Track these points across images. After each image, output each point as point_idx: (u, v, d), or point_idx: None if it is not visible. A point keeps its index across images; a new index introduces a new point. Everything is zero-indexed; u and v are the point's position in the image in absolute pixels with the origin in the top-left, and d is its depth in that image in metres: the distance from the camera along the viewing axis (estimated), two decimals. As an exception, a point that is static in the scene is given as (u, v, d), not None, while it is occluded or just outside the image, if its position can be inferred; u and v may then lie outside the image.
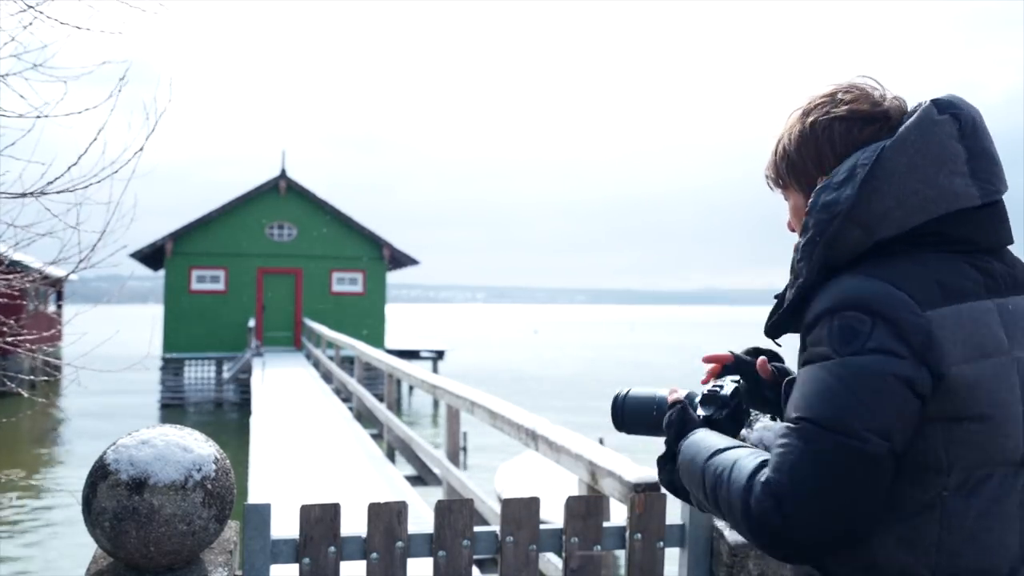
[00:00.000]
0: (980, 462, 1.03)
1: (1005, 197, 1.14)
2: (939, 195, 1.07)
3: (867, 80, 1.21)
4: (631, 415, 1.35)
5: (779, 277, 1.28)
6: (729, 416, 1.24)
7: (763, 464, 1.03)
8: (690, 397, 1.29)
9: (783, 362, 1.36)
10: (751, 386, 1.32)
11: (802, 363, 1.10)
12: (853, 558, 1.07)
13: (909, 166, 1.08)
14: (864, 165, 1.10)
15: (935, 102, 1.11)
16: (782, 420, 1.15)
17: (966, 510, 1.03)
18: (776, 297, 1.26)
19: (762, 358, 1.33)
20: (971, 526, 1.03)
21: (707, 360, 1.36)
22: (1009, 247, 1.16)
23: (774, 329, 1.23)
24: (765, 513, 0.99)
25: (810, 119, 1.20)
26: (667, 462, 1.25)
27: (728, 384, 1.26)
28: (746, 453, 1.09)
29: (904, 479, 1.04)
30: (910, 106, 1.18)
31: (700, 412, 1.25)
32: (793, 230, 1.27)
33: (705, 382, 1.33)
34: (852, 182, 1.09)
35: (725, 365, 1.35)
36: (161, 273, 26.29)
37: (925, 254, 1.09)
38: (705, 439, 1.17)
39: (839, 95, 1.19)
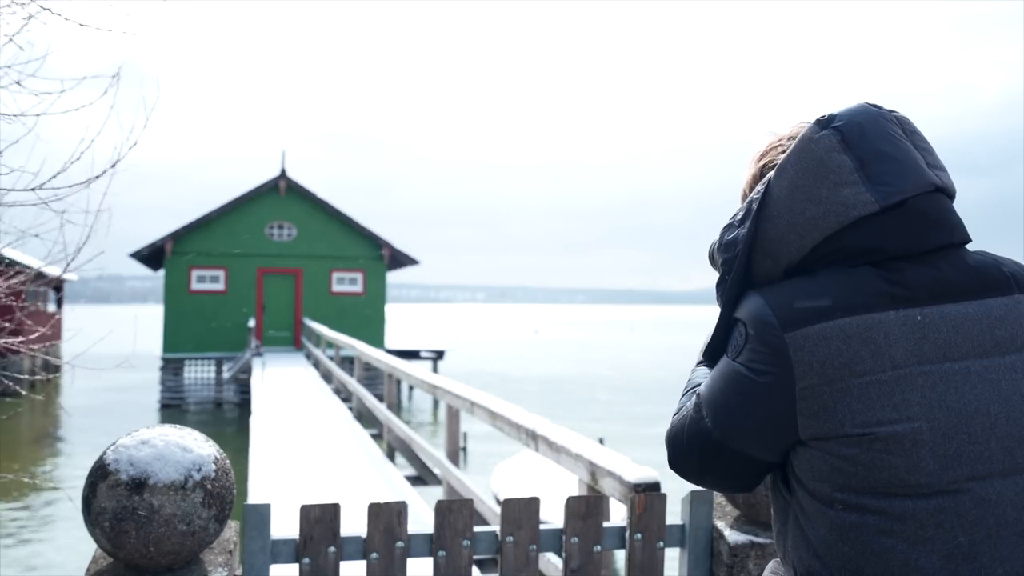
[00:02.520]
0: (869, 480, 1.00)
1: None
2: (826, 210, 1.06)
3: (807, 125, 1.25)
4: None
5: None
6: None
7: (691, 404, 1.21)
8: None
9: None
10: None
11: None
12: (785, 559, 1.15)
13: (791, 188, 1.10)
14: (756, 199, 1.15)
15: (817, 120, 1.12)
16: None
17: (862, 526, 1.01)
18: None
19: None
20: (870, 543, 1.01)
21: None
22: (962, 246, 1.10)
23: (708, 357, 1.26)
24: (666, 443, 1.23)
25: (762, 163, 1.25)
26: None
27: None
28: (695, 384, 1.24)
29: (802, 485, 1.08)
30: None
31: None
32: None
33: None
34: (749, 217, 1.15)
35: None
36: (161, 273, 26.29)
37: (827, 270, 1.07)
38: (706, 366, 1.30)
39: (783, 141, 1.24)
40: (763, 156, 1.26)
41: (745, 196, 1.27)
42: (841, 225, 1.06)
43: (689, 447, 1.16)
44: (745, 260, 1.14)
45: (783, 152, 1.22)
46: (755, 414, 1.07)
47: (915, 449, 0.99)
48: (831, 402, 1.01)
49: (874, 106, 1.12)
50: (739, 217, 1.18)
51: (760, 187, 1.15)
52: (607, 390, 30.50)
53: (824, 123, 1.10)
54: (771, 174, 1.14)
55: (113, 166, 3.18)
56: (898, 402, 1.00)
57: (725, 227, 1.20)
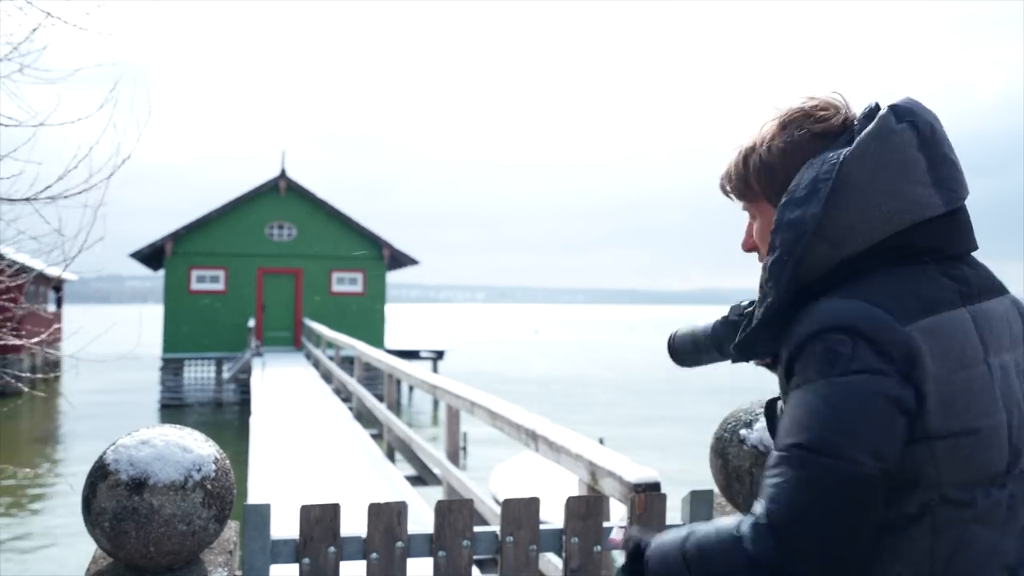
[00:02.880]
0: (970, 473, 1.02)
1: (972, 202, 1.12)
2: (904, 206, 1.06)
3: (838, 97, 1.20)
4: (682, 349, 1.48)
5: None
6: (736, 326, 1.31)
7: (743, 518, 1.01)
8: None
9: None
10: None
11: (790, 390, 1.06)
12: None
13: (871, 178, 1.07)
14: (826, 180, 1.08)
15: (893, 109, 1.09)
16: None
17: (956, 519, 1.02)
18: (735, 315, 1.30)
19: None
20: (962, 533, 1.02)
21: None
22: (974, 252, 1.14)
23: (742, 349, 1.18)
24: (766, 552, 0.95)
25: (795, 132, 1.17)
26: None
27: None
28: (717, 522, 1.06)
29: (893, 494, 1.01)
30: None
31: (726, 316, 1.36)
32: (750, 249, 1.26)
33: None
34: (816, 197, 1.08)
35: None
36: (161, 273, 26.30)
37: (897, 267, 1.07)
38: (667, 536, 1.13)
39: (817, 111, 1.17)
40: (787, 126, 1.18)
41: (763, 162, 1.18)
42: (913, 222, 1.06)
43: (829, 512, 0.95)
44: (810, 241, 1.08)
45: (818, 122, 1.16)
46: (896, 421, 0.98)
47: (1005, 440, 1.03)
48: (950, 397, 1.01)
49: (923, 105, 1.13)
50: (800, 196, 1.10)
51: (829, 169, 1.08)
52: (607, 391, 30.50)
53: (901, 114, 1.09)
54: (845, 155, 1.08)
55: (108, 177, 3.19)
56: (993, 394, 1.03)
57: (784, 204, 1.11)
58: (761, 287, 1.14)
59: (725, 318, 1.36)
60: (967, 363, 1.03)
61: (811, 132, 1.16)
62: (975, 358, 1.04)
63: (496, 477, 11.89)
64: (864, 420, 0.97)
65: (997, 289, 1.13)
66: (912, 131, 1.08)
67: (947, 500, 1.02)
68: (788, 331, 1.08)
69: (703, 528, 1.07)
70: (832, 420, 0.97)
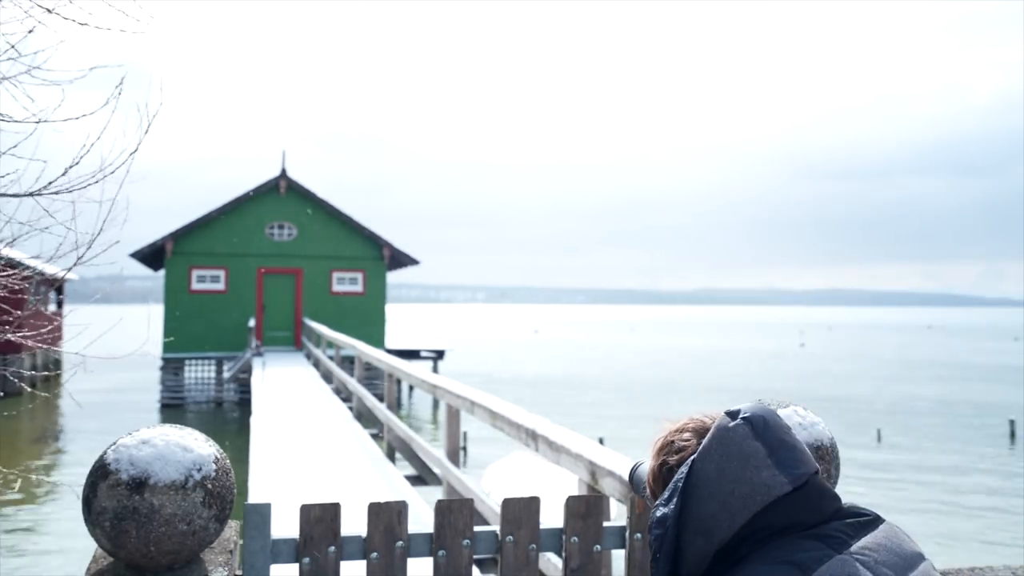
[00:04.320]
0: None
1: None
2: (753, 489, 1.19)
3: (702, 419, 1.34)
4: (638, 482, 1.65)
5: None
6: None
7: None
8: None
9: None
10: None
11: None
12: None
13: (718, 470, 1.21)
14: (680, 480, 1.24)
15: (727, 412, 1.26)
16: None
17: None
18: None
19: None
20: None
21: None
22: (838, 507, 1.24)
23: None
24: None
25: (658, 461, 1.35)
26: None
27: None
28: None
29: None
30: None
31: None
32: None
33: None
34: (675, 496, 1.24)
35: None
36: (161, 273, 26.32)
37: (765, 548, 1.17)
38: None
39: (677, 442, 1.33)
40: (658, 454, 1.36)
41: (651, 487, 1.37)
42: (765, 504, 1.18)
43: None
44: (675, 536, 1.22)
45: (675, 452, 1.32)
46: None
47: None
48: None
49: (761, 403, 1.28)
50: (664, 497, 1.26)
51: (684, 468, 1.25)
52: (607, 391, 30.50)
53: (734, 415, 1.24)
54: (694, 458, 1.25)
55: (133, 153, 3.17)
56: None
57: (654, 507, 1.27)
58: None
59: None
60: None
61: (670, 465, 1.32)
62: None
63: (489, 477, 11.89)
64: None
65: (871, 523, 1.20)
66: (746, 425, 1.22)
67: None
68: None
69: None
70: None
